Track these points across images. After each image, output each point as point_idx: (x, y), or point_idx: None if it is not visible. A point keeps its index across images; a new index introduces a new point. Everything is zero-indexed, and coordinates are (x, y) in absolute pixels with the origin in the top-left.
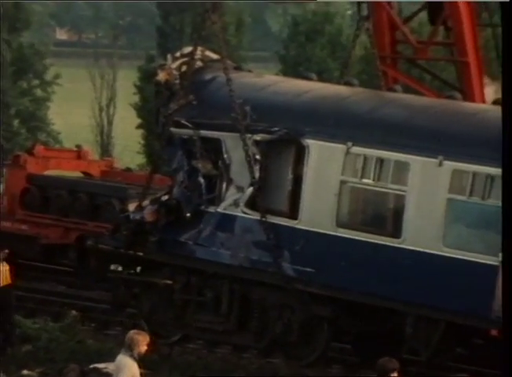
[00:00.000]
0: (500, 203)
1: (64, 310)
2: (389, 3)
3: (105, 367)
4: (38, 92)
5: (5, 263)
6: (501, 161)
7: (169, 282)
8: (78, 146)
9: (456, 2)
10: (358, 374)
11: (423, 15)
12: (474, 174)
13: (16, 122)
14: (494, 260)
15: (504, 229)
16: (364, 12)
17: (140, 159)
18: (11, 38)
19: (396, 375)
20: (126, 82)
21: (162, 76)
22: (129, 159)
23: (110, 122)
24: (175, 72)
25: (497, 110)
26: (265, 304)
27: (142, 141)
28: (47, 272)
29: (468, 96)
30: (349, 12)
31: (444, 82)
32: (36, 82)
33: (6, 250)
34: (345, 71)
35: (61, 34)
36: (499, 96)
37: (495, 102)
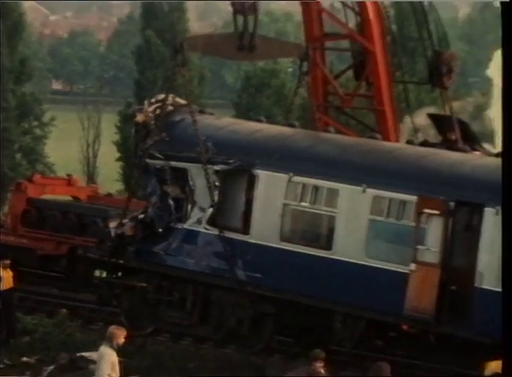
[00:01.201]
0: (410, 223)
1: (57, 309)
2: (323, 62)
3: (90, 356)
4: (37, 131)
5: (8, 270)
6: (412, 190)
7: (144, 285)
8: (68, 175)
9: (376, 63)
10: (295, 362)
11: (350, 72)
12: (390, 200)
13: (18, 156)
14: (405, 268)
15: (504, 232)
16: (304, 69)
17: (119, 186)
18: (16, 88)
19: (321, 363)
20: (109, 124)
21: (140, 118)
22: (110, 186)
23: (95, 156)
24: (151, 114)
25: (409, 148)
26: (222, 303)
27: (121, 171)
28: (43, 278)
29: (385, 137)
30: (291, 69)
31: (365, 126)
32: (35, 123)
33: (8, 261)
34: (288, 115)
35: (56, 85)
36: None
37: (408, 141)
